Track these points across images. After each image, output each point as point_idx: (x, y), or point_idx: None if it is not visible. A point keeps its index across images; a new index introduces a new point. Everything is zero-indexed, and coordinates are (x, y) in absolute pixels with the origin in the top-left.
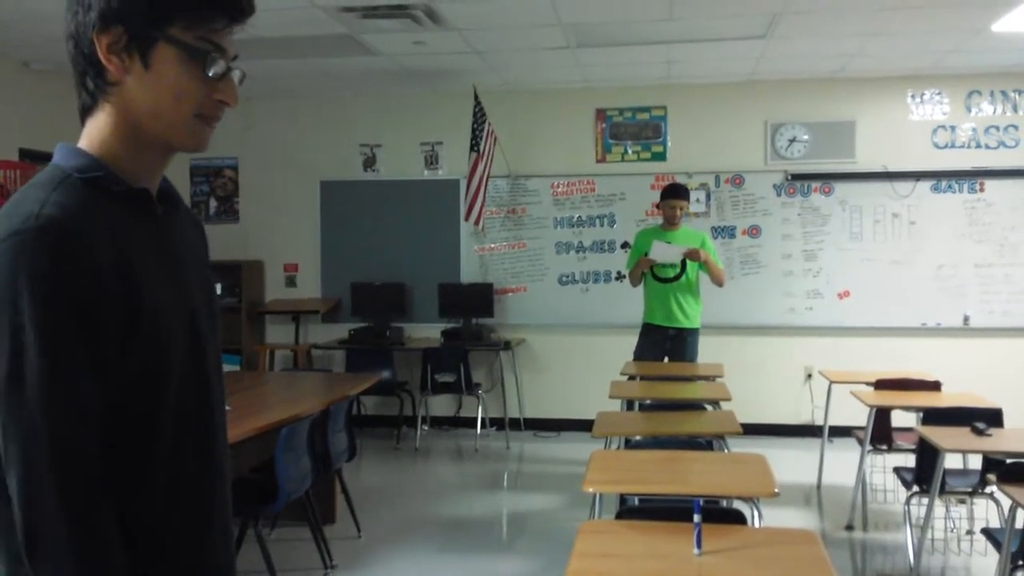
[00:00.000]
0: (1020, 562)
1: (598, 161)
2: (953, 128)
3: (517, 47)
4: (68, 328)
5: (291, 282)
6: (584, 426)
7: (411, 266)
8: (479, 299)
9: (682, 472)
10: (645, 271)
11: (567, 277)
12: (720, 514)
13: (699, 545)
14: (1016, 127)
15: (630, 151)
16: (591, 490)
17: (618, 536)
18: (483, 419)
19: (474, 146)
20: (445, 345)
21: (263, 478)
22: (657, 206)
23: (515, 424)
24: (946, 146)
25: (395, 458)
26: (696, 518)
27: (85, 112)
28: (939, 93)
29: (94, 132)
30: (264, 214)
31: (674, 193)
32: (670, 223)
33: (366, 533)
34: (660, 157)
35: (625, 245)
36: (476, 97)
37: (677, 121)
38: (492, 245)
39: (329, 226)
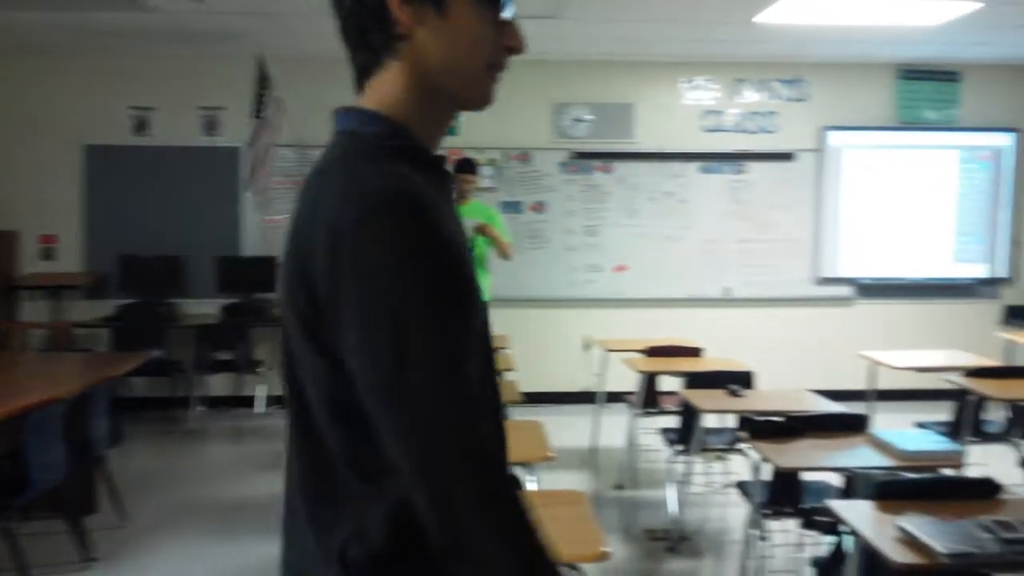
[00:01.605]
0: (766, 511)
1: None
2: (721, 113)
3: (305, 11)
4: (448, 303)
5: (48, 255)
6: None
7: (187, 238)
8: (262, 273)
9: None
10: None
11: None
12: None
13: None
14: (776, 114)
15: None
16: None
17: None
18: (265, 398)
19: (257, 113)
20: (224, 322)
21: (12, 467)
22: None
23: None
24: (714, 130)
25: (168, 442)
26: None
27: (364, 73)
28: (709, 79)
29: (383, 93)
30: (17, 181)
31: (464, 167)
32: (461, 198)
33: (132, 522)
34: (451, 131)
35: None
36: (261, 62)
37: None
38: (279, 217)
39: (94, 194)
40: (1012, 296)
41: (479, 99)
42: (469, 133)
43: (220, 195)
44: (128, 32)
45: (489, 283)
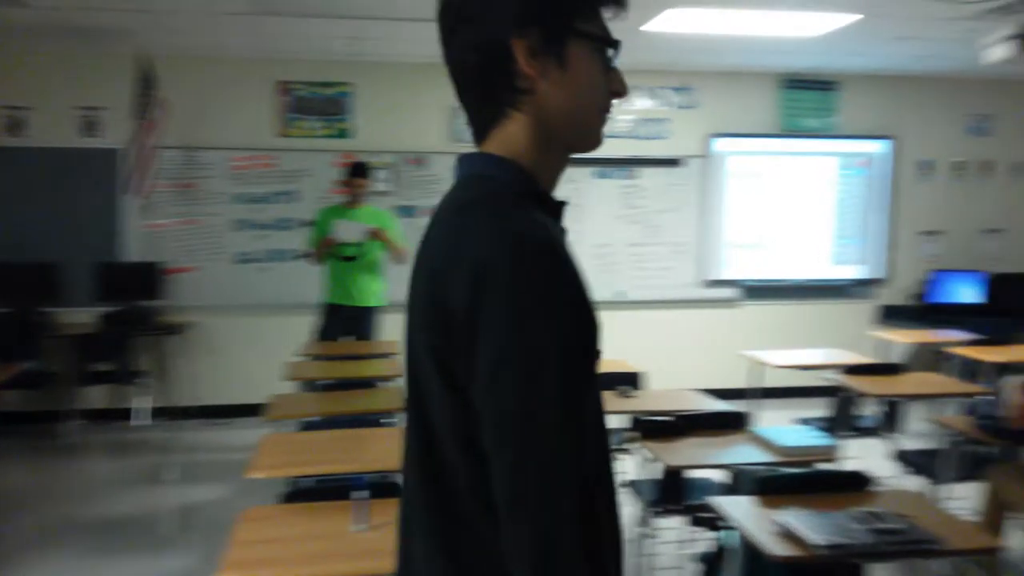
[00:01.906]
0: (655, 509)
1: (280, 135)
2: (613, 120)
3: (190, 8)
4: (580, 351)
5: None
6: (259, 411)
7: (64, 243)
8: (144, 279)
9: (355, 450)
10: (329, 250)
11: (245, 255)
12: (389, 488)
13: (361, 520)
14: (665, 120)
15: (314, 127)
16: (257, 475)
17: (281, 521)
18: (148, 409)
19: (140, 114)
20: (103, 331)
21: None
22: (342, 184)
23: (185, 413)
24: (608, 136)
25: (41, 457)
26: (359, 494)
27: (488, 124)
28: None
29: (508, 143)
30: None
31: (358, 171)
32: (354, 201)
33: (3, 541)
34: (345, 134)
35: (308, 223)
36: (144, 61)
37: (363, 99)
38: (162, 221)
39: None
40: (886, 296)
41: (593, 142)
42: (363, 136)
43: (99, 199)
44: (1, 28)
45: (384, 289)
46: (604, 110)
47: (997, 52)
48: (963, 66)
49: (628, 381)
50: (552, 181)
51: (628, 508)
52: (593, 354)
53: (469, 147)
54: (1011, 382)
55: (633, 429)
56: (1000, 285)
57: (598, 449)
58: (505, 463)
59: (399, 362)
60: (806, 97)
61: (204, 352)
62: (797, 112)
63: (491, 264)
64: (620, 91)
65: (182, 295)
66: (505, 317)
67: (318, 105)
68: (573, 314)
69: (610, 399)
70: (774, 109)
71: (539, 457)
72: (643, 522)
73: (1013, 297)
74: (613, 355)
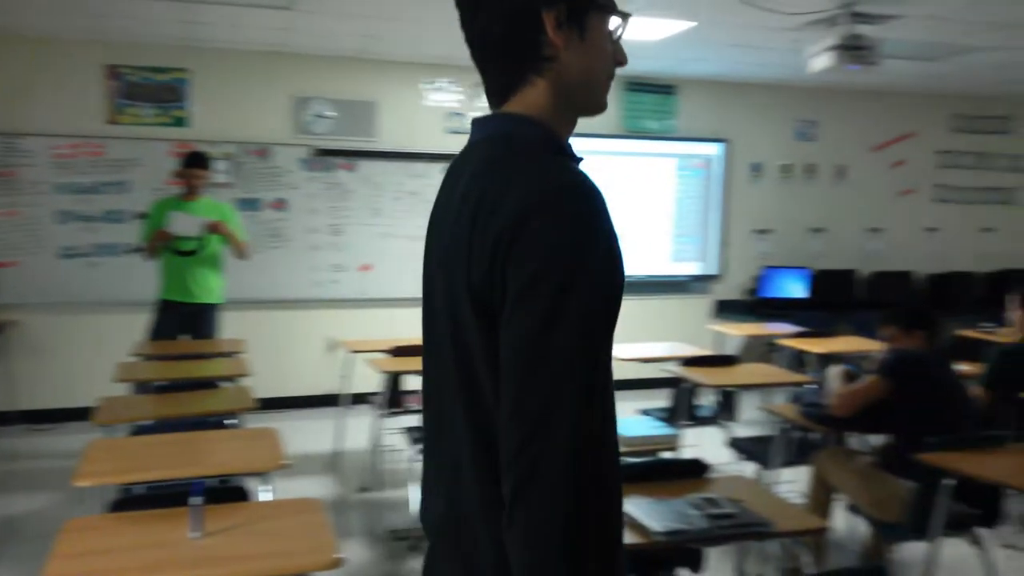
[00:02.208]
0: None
1: (109, 122)
2: (463, 115)
3: None
4: (612, 290)
5: None
6: (89, 414)
7: None
8: None
9: (190, 454)
10: (164, 244)
11: (71, 250)
12: (225, 493)
13: (198, 528)
14: None
15: (147, 114)
16: (84, 483)
17: (110, 530)
18: None
19: None
20: None
21: None
22: (177, 174)
23: (3, 418)
24: (457, 132)
25: None
26: (195, 500)
27: (509, 88)
28: (452, 82)
29: (529, 105)
30: None
31: (195, 162)
32: (191, 193)
33: None
34: (181, 123)
35: (141, 216)
36: None
37: (201, 86)
38: None
39: None
40: (721, 291)
41: (601, 106)
42: (201, 125)
43: None
44: None
45: (223, 285)
46: (610, 77)
47: (821, 61)
48: (792, 74)
49: None
50: (566, 139)
51: None
52: (616, 302)
53: (315, 139)
54: (833, 371)
55: None
56: (823, 281)
57: (605, 416)
58: (517, 373)
59: (243, 361)
60: (647, 100)
61: (26, 353)
62: (638, 114)
63: (535, 199)
64: (622, 60)
65: (1, 292)
66: (545, 244)
67: (151, 91)
68: (607, 255)
69: None
70: (617, 111)
71: (552, 370)
72: None
73: (834, 292)
74: None
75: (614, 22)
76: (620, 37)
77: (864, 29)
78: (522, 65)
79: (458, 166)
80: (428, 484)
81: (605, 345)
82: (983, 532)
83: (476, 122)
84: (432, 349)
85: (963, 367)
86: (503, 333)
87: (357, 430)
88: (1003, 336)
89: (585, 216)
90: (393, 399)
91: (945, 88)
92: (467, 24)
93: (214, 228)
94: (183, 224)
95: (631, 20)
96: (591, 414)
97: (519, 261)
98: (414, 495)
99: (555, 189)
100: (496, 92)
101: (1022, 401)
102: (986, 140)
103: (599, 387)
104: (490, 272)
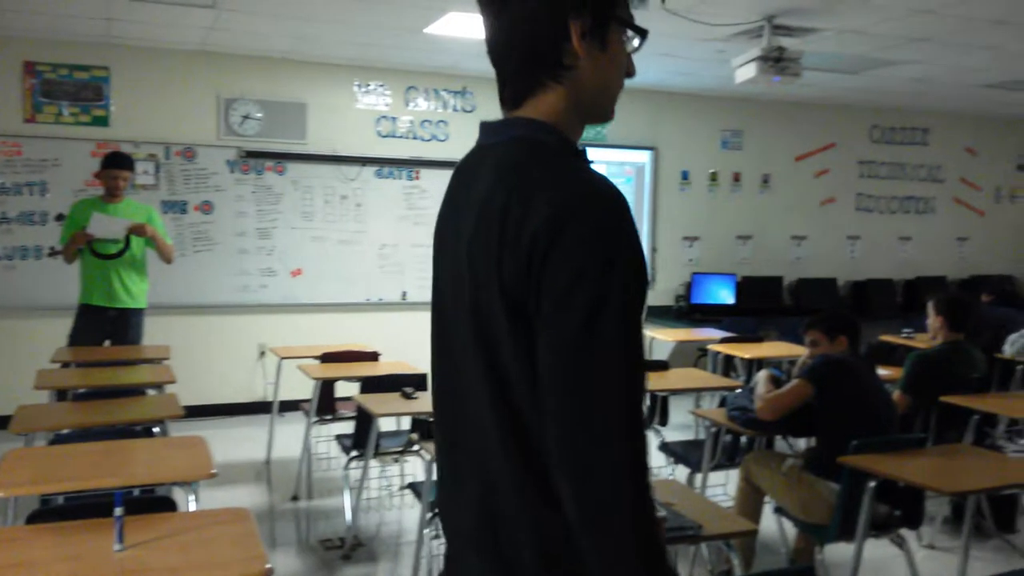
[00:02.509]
0: (437, 509)
1: (26, 121)
2: (394, 119)
3: None
4: (642, 292)
5: None
6: (7, 423)
7: None
8: None
9: (114, 464)
10: (82, 247)
11: None
12: (149, 504)
13: (120, 539)
14: (446, 123)
15: (67, 112)
16: (1, 494)
17: (28, 543)
18: None
19: None
20: None
21: None
22: (97, 175)
23: None
24: (388, 135)
25: None
26: (117, 510)
27: (523, 94)
28: (382, 85)
29: (545, 111)
30: None
31: (116, 162)
32: (112, 194)
33: None
34: (102, 122)
35: (60, 217)
36: None
37: (122, 85)
38: None
39: None
40: (651, 297)
41: (610, 115)
42: (123, 125)
43: None
44: None
45: (147, 289)
46: (621, 88)
47: (745, 72)
48: (718, 84)
49: (412, 383)
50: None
51: (412, 511)
52: (644, 301)
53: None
54: (761, 376)
55: (412, 430)
56: (750, 287)
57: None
58: (563, 376)
59: (168, 368)
60: None
61: None
62: None
63: (569, 203)
64: (632, 72)
65: None
66: (581, 247)
67: (71, 89)
68: (636, 256)
69: (393, 401)
70: None
71: (597, 371)
72: (427, 523)
73: (761, 298)
74: (397, 357)
75: (630, 36)
76: (635, 51)
77: (786, 42)
78: (542, 71)
79: (470, 168)
80: (450, 489)
81: (641, 342)
82: (906, 533)
83: (488, 125)
84: (449, 354)
85: (884, 372)
86: (543, 335)
87: (288, 438)
88: (922, 342)
89: (616, 219)
90: (325, 406)
91: (866, 100)
92: (489, 25)
93: (138, 230)
94: (105, 226)
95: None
96: (640, 411)
97: (556, 265)
98: (347, 503)
99: (587, 193)
100: (512, 96)
101: (940, 405)
102: (905, 151)
103: (641, 384)
104: (526, 276)
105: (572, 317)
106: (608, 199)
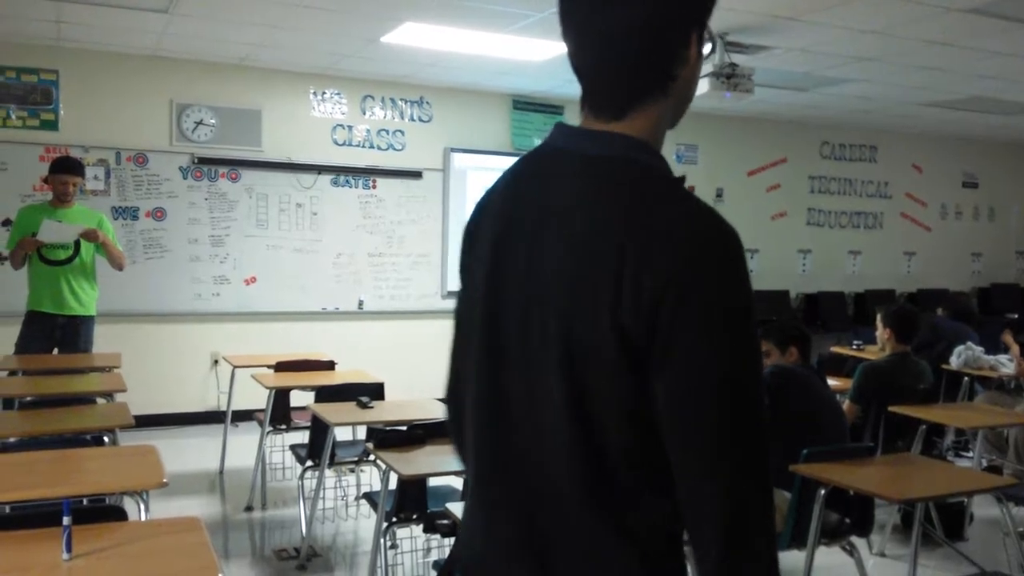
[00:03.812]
0: (394, 519)
1: None
2: (351, 128)
3: None
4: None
5: None
6: None
7: None
8: None
9: (62, 473)
10: (31, 252)
11: None
12: (99, 513)
13: (68, 549)
14: (403, 132)
15: (14, 116)
16: None
17: None
18: None
19: None
20: None
21: None
22: (46, 180)
23: None
24: (344, 144)
25: None
26: (65, 520)
27: (628, 105)
28: (338, 93)
29: (643, 125)
30: None
31: (65, 167)
32: (61, 200)
33: None
34: (51, 126)
35: (7, 223)
36: None
37: (72, 89)
38: None
39: None
40: None
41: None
42: (73, 129)
43: None
44: None
45: (96, 296)
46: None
47: (699, 88)
48: None
49: (368, 392)
50: None
51: (368, 520)
52: None
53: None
54: None
55: (368, 440)
56: None
57: None
58: (708, 418)
59: (119, 376)
60: (535, 119)
61: None
62: (527, 132)
63: (699, 238)
64: None
65: None
66: (718, 287)
67: (18, 92)
68: (751, 293)
69: (349, 410)
70: (506, 128)
71: (747, 415)
72: (383, 533)
73: None
74: (354, 366)
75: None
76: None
77: (738, 59)
78: (652, 80)
79: (543, 177)
80: (488, 509)
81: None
82: (857, 540)
83: (573, 131)
84: (505, 375)
85: (835, 382)
86: (673, 374)
87: (241, 448)
88: (871, 353)
89: (742, 256)
90: (279, 415)
91: (816, 117)
92: (592, 24)
93: (90, 236)
94: (56, 232)
95: (519, 40)
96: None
97: (692, 305)
98: (302, 513)
99: (716, 232)
100: (611, 105)
101: (887, 415)
102: (854, 167)
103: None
104: (653, 314)
105: (719, 363)
106: (733, 235)
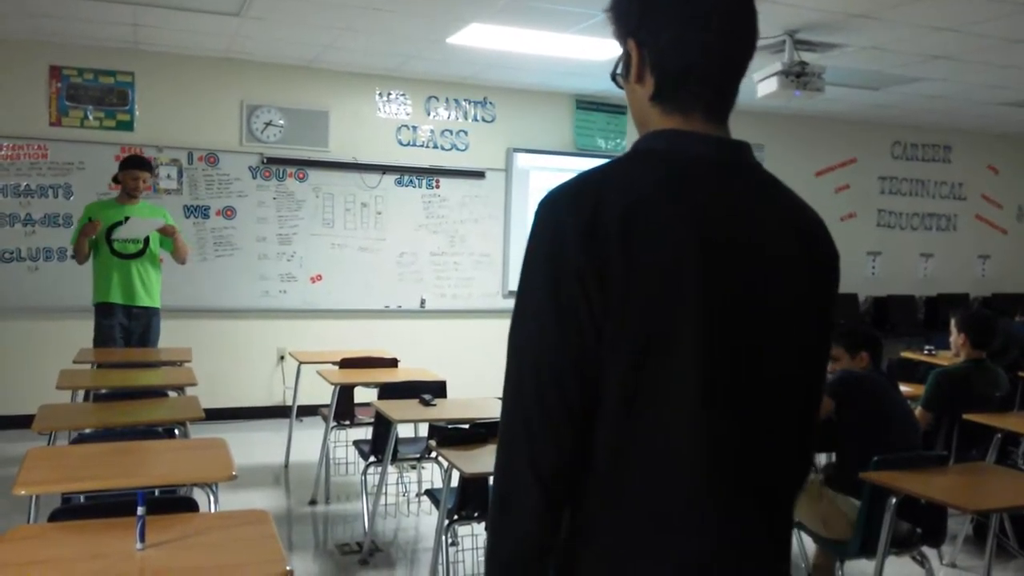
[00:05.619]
0: (455, 516)
1: (52, 124)
2: (415, 128)
3: None
4: None
5: None
6: (30, 422)
7: None
8: None
9: (135, 464)
10: (94, 236)
11: (11, 254)
12: (171, 504)
13: (142, 539)
14: (466, 132)
15: (91, 117)
16: (24, 492)
17: (52, 540)
18: None
19: None
20: None
21: None
22: (115, 178)
23: None
24: (408, 144)
25: None
26: (140, 510)
27: (729, 111)
28: (403, 94)
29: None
30: None
31: (136, 163)
32: (132, 195)
33: None
34: (127, 127)
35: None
36: None
37: (147, 90)
38: None
39: None
40: None
41: None
42: (147, 129)
43: None
44: None
45: (160, 288)
46: None
47: (767, 86)
48: (740, 98)
49: (431, 390)
50: None
51: (430, 517)
52: None
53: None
54: None
55: (430, 437)
56: None
57: None
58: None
59: (189, 370)
60: (598, 119)
61: None
62: (590, 132)
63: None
64: None
65: None
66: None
67: (95, 93)
68: None
69: (411, 408)
70: (569, 128)
71: None
72: (444, 530)
73: None
74: (416, 363)
75: None
76: None
77: (808, 57)
78: (735, 95)
79: (722, 189)
80: (737, 513)
81: None
82: (928, 551)
83: (720, 142)
84: (752, 395)
85: (906, 388)
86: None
87: (306, 443)
88: (944, 358)
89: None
90: (343, 411)
91: (888, 116)
92: (742, 42)
93: (168, 231)
94: (137, 227)
95: (582, 39)
96: None
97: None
98: (365, 508)
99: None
100: (725, 112)
101: (961, 422)
102: (927, 168)
103: None
104: (831, 290)
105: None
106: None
